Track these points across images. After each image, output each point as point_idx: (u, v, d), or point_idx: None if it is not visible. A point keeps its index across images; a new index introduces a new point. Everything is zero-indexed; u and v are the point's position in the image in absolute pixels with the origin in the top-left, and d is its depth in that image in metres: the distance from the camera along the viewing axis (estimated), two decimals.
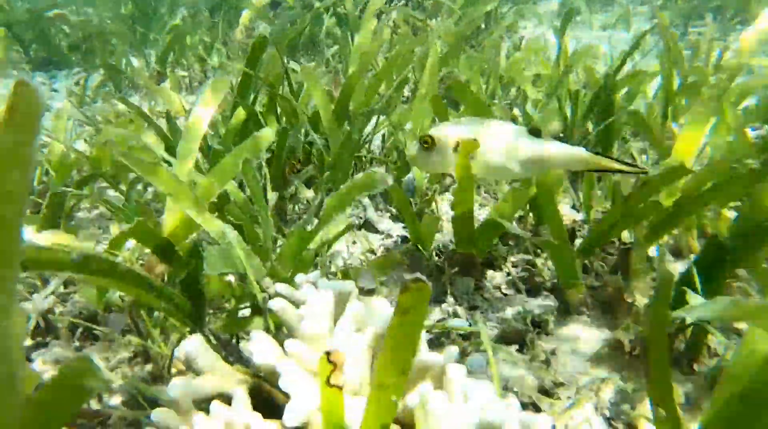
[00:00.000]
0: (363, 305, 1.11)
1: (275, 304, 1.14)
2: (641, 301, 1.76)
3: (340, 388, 0.85)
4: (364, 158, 2.50)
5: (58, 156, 2.94)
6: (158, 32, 5.34)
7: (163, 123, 3.61)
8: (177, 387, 0.99)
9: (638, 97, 2.90)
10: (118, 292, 1.96)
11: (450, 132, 1.48)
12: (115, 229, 2.57)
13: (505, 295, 1.94)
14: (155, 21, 5.73)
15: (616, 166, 1.48)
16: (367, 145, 2.54)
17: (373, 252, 2.01)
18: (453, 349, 1.09)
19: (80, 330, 1.96)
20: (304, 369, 0.99)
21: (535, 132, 1.47)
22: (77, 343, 1.95)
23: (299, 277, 1.36)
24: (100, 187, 3.08)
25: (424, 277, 0.70)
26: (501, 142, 1.46)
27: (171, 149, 2.68)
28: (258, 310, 1.54)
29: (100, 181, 3.02)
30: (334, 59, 3.99)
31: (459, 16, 5.46)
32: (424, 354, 1.06)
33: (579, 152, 1.48)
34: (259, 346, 1.03)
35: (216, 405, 0.94)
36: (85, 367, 0.75)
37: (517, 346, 1.71)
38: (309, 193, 2.32)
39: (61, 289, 2.16)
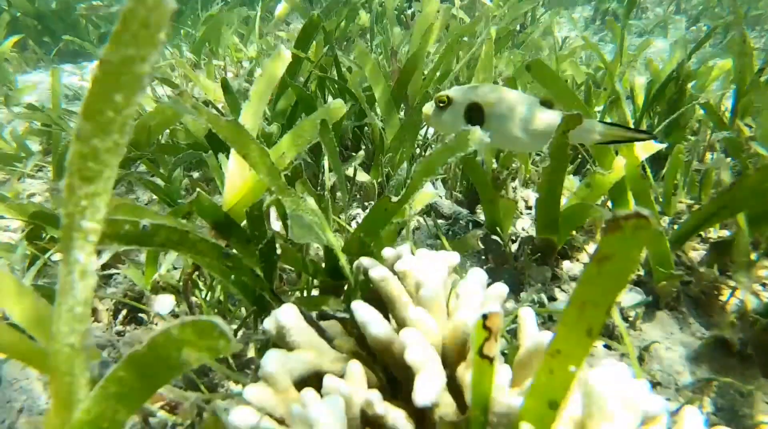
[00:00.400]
0: (484, 274, 0.96)
1: (377, 273, 1.00)
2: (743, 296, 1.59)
3: (492, 359, 0.70)
4: (419, 145, 2.36)
5: None
6: (191, 25, 5.28)
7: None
8: (273, 360, 0.85)
9: (705, 92, 2.75)
10: (168, 271, 1.83)
11: (464, 94, 1.45)
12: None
13: None
14: (186, 15, 5.67)
15: (629, 134, 1.43)
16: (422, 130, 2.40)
17: (438, 237, 1.86)
18: None
19: (123, 313, 1.83)
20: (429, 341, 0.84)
21: (546, 103, 1.43)
22: (119, 327, 1.82)
23: (387, 251, 1.22)
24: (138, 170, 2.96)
25: (646, 211, 0.55)
26: (515, 113, 1.42)
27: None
28: (330, 287, 1.40)
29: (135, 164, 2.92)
30: (375, 51, 3.88)
31: (497, 15, 5.35)
32: None
33: (592, 123, 1.42)
34: (368, 316, 0.88)
35: (330, 379, 0.79)
36: (209, 327, 0.61)
37: (603, 343, 1.55)
38: (365, 177, 2.18)
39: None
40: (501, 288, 0.99)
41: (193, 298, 1.56)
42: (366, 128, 2.50)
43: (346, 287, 1.38)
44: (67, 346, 0.80)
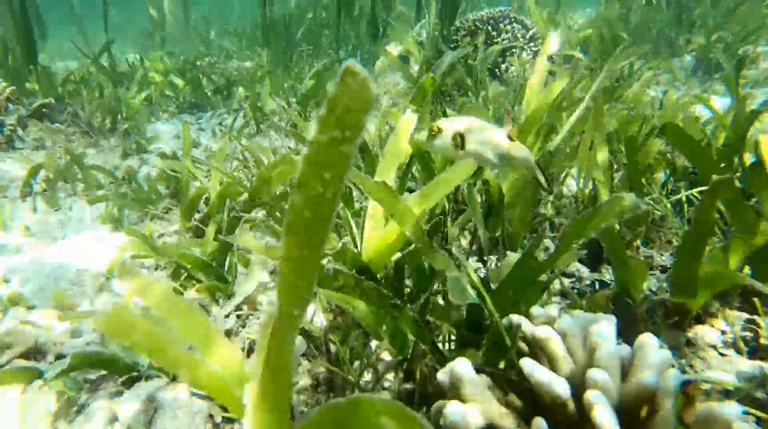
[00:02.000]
0: (655, 339, 0.97)
1: (542, 332, 1.03)
2: None
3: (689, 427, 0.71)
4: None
5: (223, 185, 3.09)
6: (296, 79, 5.67)
7: None
8: (457, 412, 0.89)
9: None
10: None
11: (450, 125, 1.77)
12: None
13: (723, 355, 1.69)
14: (292, 69, 6.10)
15: (541, 179, 1.82)
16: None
17: (565, 294, 1.85)
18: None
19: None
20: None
21: (510, 137, 1.78)
22: None
23: (536, 310, 1.24)
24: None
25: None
26: (486, 138, 1.76)
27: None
28: (469, 341, 1.43)
29: (257, 210, 3.14)
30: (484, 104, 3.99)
31: (594, 69, 5.34)
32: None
33: (531, 159, 1.78)
34: (547, 376, 0.91)
35: None
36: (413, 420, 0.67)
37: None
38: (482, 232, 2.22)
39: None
40: (667, 354, 0.98)
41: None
42: (479, 183, 2.56)
43: (484, 340, 1.41)
44: (274, 395, 0.89)
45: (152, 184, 3.46)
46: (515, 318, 1.20)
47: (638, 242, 2.14)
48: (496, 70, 5.63)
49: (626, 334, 1.76)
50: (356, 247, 1.97)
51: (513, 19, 6.14)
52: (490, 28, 6.06)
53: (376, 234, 1.70)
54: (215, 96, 5.68)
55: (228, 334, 2.02)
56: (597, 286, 1.90)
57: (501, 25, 6.04)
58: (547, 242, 2.34)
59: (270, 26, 6.24)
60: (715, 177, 1.34)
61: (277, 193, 2.93)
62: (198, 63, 5.80)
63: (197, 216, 3.20)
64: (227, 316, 2.09)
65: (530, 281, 1.30)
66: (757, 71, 6.42)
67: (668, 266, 2.11)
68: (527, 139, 2.45)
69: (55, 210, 3.55)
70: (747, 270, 1.89)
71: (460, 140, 1.77)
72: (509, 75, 5.71)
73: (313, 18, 7.74)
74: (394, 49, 5.65)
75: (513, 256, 1.74)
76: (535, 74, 2.61)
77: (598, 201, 2.12)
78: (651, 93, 5.28)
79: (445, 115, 2.87)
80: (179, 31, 10.93)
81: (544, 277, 1.33)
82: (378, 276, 1.68)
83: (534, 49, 5.97)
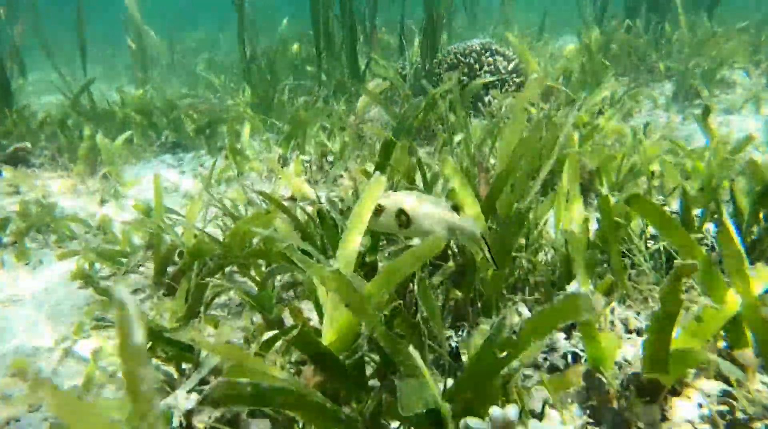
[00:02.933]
0: None
1: None
2: None
3: None
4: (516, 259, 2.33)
5: (193, 242, 3.02)
6: (278, 118, 5.65)
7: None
8: None
9: None
10: None
11: (393, 202, 1.83)
12: (246, 321, 2.55)
13: None
14: (275, 108, 6.08)
15: (486, 252, 1.87)
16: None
17: (537, 366, 1.79)
18: None
19: None
20: None
21: (455, 208, 1.87)
22: None
23: (495, 412, 1.18)
24: (231, 273, 3.10)
25: None
26: (431, 213, 1.83)
27: (307, 236, 2.68)
28: None
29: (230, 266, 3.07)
30: (459, 146, 3.96)
31: (575, 100, 5.36)
32: None
33: (477, 234, 1.85)
34: None
35: None
36: None
37: None
38: (456, 294, 2.17)
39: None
40: None
41: None
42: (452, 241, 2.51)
43: None
44: None
45: (126, 236, 3.39)
46: (470, 422, 1.14)
47: (614, 303, 2.09)
48: (479, 103, 5.63)
49: (600, 412, 1.70)
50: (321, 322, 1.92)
51: (494, 51, 6.17)
52: (472, 60, 6.09)
53: (338, 313, 1.64)
54: (197, 135, 5.64)
55: (191, 413, 1.94)
56: (570, 360, 1.84)
57: (483, 57, 6.07)
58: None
59: (251, 62, 6.24)
60: (677, 263, 1.30)
61: (251, 248, 2.87)
62: (178, 103, 5.77)
63: (171, 270, 3.13)
64: (190, 392, 2.02)
65: (489, 376, 1.24)
66: (733, 95, 6.47)
67: (645, 329, 2.05)
68: (501, 196, 2.40)
69: (25, 264, 3.47)
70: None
71: (405, 218, 1.82)
72: (492, 108, 5.72)
73: (299, 51, 7.76)
74: (377, 84, 5.65)
75: (478, 338, 1.68)
76: (511, 124, 2.57)
77: (572, 261, 2.07)
78: (631, 124, 5.29)
79: (420, 167, 2.83)
80: (165, 64, 10.96)
81: (505, 370, 1.27)
82: (341, 358, 1.62)
83: (516, 80, 5.99)
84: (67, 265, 3.38)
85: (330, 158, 4.34)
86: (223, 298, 2.92)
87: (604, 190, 3.64)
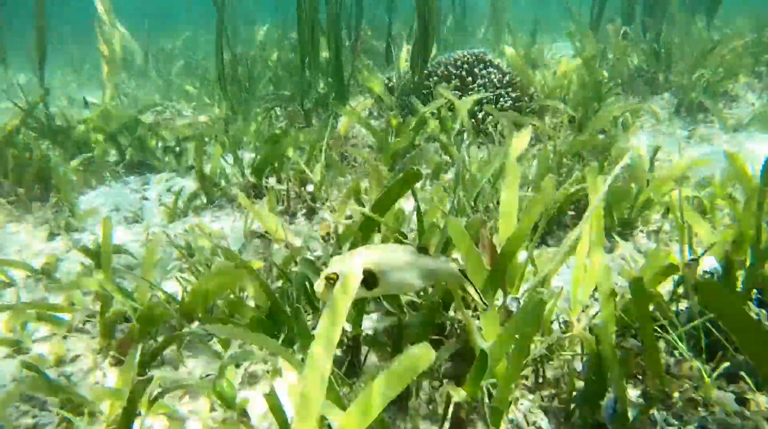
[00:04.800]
0: None
1: None
2: None
3: None
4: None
5: (145, 304, 2.55)
6: (252, 136, 5.17)
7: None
8: None
9: None
10: None
11: (352, 265, 1.55)
12: (206, 406, 2.09)
13: None
14: (250, 122, 5.60)
15: (471, 290, 1.74)
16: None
17: None
18: None
19: None
20: None
21: (423, 250, 1.69)
22: None
23: None
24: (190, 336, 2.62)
25: None
26: (401, 263, 1.63)
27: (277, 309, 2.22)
28: None
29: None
30: (450, 185, 3.52)
31: (574, 119, 4.96)
32: None
33: (455, 270, 1.71)
34: None
35: None
36: None
37: None
38: (459, 395, 1.73)
39: None
40: None
41: None
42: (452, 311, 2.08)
43: None
44: None
45: (72, 287, 2.89)
46: None
47: (653, 410, 1.67)
48: (473, 120, 5.21)
49: None
50: None
51: (488, 63, 5.76)
52: (464, 73, 5.67)
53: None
54: (166, 155, 5.14)
55: None
56: None
57: (476, 69, 5.65)
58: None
59: (228, 72, 5.74)
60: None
61: (212, 316, 2.41)
62: (143, 117, 5.26)
63: (120, 335, 2.66)
64: None
65: None
66: (740, 110, 6.14)
67: None
68: (508, 270, 1.98)
69: None
70: None
71: (370, 279, 1.58)
72: (486, 125, 5.30)
73: (278, 60, 7.26)
74: (361, 101, 5.20)
75: None
76: (508, 184, 2.14)
77: (603, 360, 1.65)
78: (635, 142, 4.90)
79: (419, 214, 2.40)
80: (138, 68, 10.39)
81: None
82: None
83: (512, 94, 5.58)
84: None
85: (309, 187, 3.88)
86: (181, 370, 2.45)
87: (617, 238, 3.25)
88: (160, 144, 5.27)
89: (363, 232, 2.20)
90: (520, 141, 2.30)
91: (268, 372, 2.27)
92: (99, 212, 4.16)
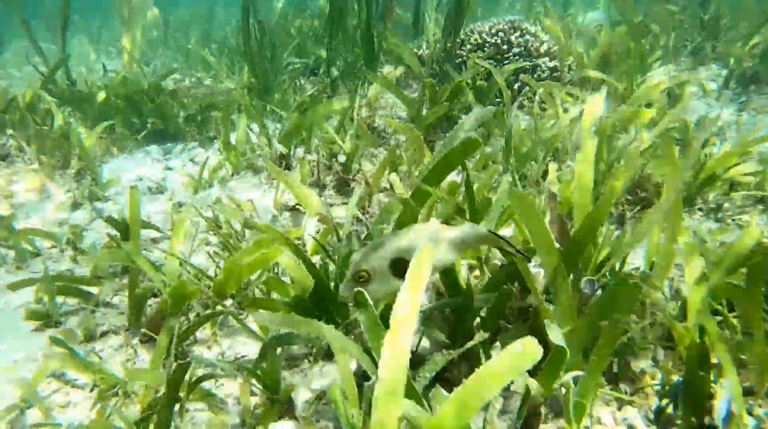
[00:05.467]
0: None
1: None
2: None
3: None
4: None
5: (176, 279, 2.40)
6: (279, 104, 4.96)
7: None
8: None
9: None
10: None
11: (382, 259, 1.44)
12: (244, 394, 1.93)
13: None
14: (273, 92, 5.38)
15: (507, 247, 1.57)
16: None
17: None
18: None
19: None
20: None
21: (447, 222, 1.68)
22: None
23: None
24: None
25: None
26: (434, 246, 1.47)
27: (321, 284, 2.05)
28: None
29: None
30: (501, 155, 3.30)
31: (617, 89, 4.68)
32: None
33: (485, 232, 1.56)
34: None
35: None
36: None
37: None
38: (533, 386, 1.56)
39: None
40: None
41: None
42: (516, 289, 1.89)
43: None
44: None
45: (99, 260, 2.74)
46: None
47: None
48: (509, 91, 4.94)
49: None
50: None
51: (525, 31, 5.45)
52: (499, 41, 5.38)
53: None
54: (188, 124, 4.96)
55: None
56: None
57: (512, 37, 5.35)
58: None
59: (251, 39, 5.50)
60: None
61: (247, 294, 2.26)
62: (164, 84, 5.07)
63: (150, 311, 2.52)
64: None
65: None
66: None
67: None
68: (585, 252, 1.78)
69: None
70: None
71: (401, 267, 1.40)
72: (523, 98, 5.04)
73: (300, 28, 6.99)
74: (390, 70, 4.96)
75: None
76: (581, 159, 1.92)
77: (711, 349, 1.46)
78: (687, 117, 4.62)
79: (468, 185, 2.20)
80: (157, 37, 10.15)
81: None
82: None
83: (549, 64, 5.29)
84: (24, 298, 2.76)
85: (341, 158, 3.68)
86: (214, 351, 2.31)
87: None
88: (181, 113, 5.09)
89: (412, 207, 2.01)
90: (594, 107, 2.07)
91: (310, 355, 2.12)
92: (122, 181, 4.00)
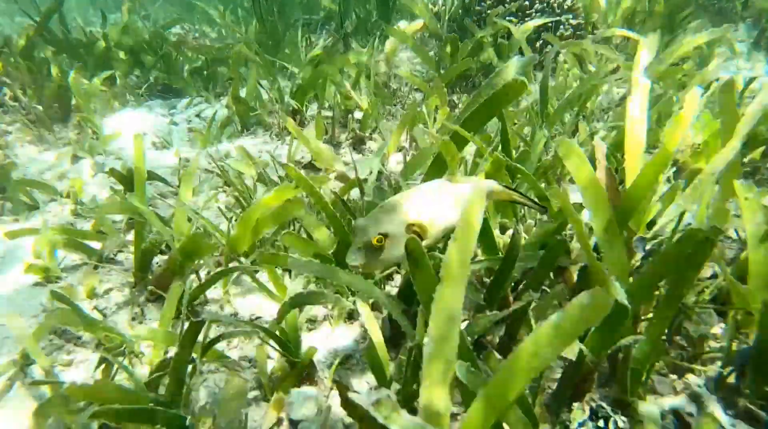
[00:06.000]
0: None
1: None
2: None
3: None
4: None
5: (186, 233, 2.24)
6: (289, 59, 4.71)
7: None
8: None
9: None
10: None
11: (398, 222, 1.32)
12: (260, 356, 1.79)
13: None
14: (284, 46, 5.13)
15: (519, 198, 1.55)
16: None
17: None
18: None
19: None
20: None
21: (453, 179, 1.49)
22: None
23: None
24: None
25: None
26: (444, 204, 1.40)
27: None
28: None
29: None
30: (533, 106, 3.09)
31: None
32: None
33: (496, 186, 1.53)
34: None
35: None
36: None
37: None
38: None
39: None
40: None
41: None
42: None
43: None
44: None
45: (104, 210, 2.58)
46: None
47: None
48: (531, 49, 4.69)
49: None
50: None
51: None
52: None
53: None
54: (192, 78, 4.73)
55: None
56: None
57: None
58: None
59: None
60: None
61: (263, 250, 2.10)
62: (168, 33, 4.81)
63: (157, 268, 2.37)
64: None
65: None
66: None
67: None
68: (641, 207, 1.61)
69: None
70: None
71: (417, 233, 1.32)
72: (544, 57, 4.79)
73: None
74: (407, 25, 4.69)
75: None
76: (630, 128, 1.73)
77: None
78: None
79: (504, 135, 2.03)
80: None
81: None
82: None
83: (572, 22, 5.03)
84: (22, 248, 2.61)
85: (357, 115, 3.49)
86: (227, 311, 2.17)
87: None
88: (186, 66, 4.85)
89: (453, 152, 1.81)
90: (649, 47, 1.87)
91: (330, 316, 1.98)
92: (125, 134, 3.81)
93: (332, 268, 1.39)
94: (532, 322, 1.47)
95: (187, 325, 1.47)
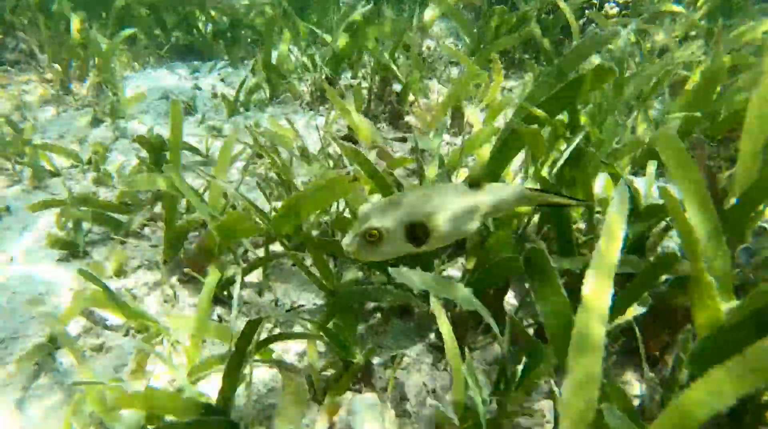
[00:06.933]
0: None
1: None
2: None
3: None
4: None
5: (221, 210, 2.07)
6: (318, 25, 4.46)
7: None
8: None
9: None
10: None
11: (398, 219, 1.28)
12: (311, 351, 1.64)
13: None
14: (311, 12, 4.87)
15: (556, 199, 1.44)
16: None
17: None
18: None
19: None
20: None
21: (475, 183, 1.38)
22: None
23: None
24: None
25: None
26: (456, 208, 1.32)
27: None
28: None
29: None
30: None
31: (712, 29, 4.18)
32: None
33: (526, 192, 1.40)
34: None
35: None
36: None
37: None
38: None
39: None
40: None
41: None
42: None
43: None
44: None
45: (135, 185, 2.40)
46: None
47: None
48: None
49: None
50: None
51: None
52: None
53: None
54: (216, 40, 4.50)
55: None
56: None
57: None
58: None
59: None
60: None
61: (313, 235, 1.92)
62: None
63: (190, 245, 2.21)
64: None
65: None
66: None
67: None
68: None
69: None
70: None
71: (421, 233, 1.28)
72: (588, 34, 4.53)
73: None
74: None
75: None
76: (759, 98, 1.52)
77: None
78: None
79: (574, 114, 1.84)
80: None
81: None
82: None
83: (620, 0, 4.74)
84: (44, 221, 2.45)
85: (395, 87, 3.27)
86: (267, 297, 2.01)
87: None
88: (209, 27, 4.60)
89: (533, 133, 1.62)
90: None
91: (378, 310, 1.82)
92: (148, 97, 3.61)
93: (446, 281, 1.23)
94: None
95: (243, 324, 1.31)
